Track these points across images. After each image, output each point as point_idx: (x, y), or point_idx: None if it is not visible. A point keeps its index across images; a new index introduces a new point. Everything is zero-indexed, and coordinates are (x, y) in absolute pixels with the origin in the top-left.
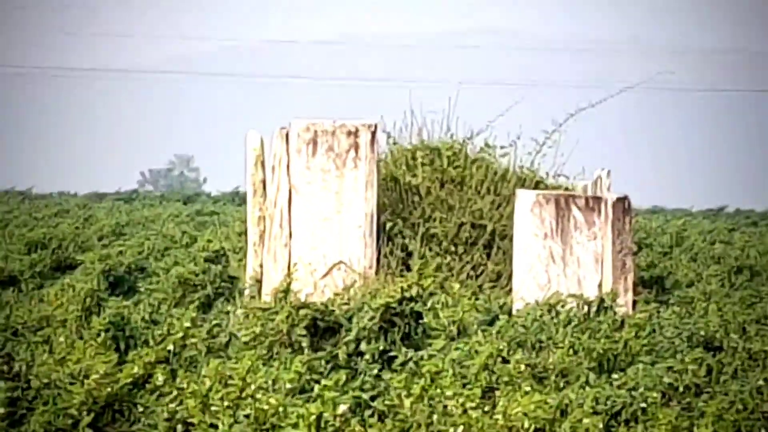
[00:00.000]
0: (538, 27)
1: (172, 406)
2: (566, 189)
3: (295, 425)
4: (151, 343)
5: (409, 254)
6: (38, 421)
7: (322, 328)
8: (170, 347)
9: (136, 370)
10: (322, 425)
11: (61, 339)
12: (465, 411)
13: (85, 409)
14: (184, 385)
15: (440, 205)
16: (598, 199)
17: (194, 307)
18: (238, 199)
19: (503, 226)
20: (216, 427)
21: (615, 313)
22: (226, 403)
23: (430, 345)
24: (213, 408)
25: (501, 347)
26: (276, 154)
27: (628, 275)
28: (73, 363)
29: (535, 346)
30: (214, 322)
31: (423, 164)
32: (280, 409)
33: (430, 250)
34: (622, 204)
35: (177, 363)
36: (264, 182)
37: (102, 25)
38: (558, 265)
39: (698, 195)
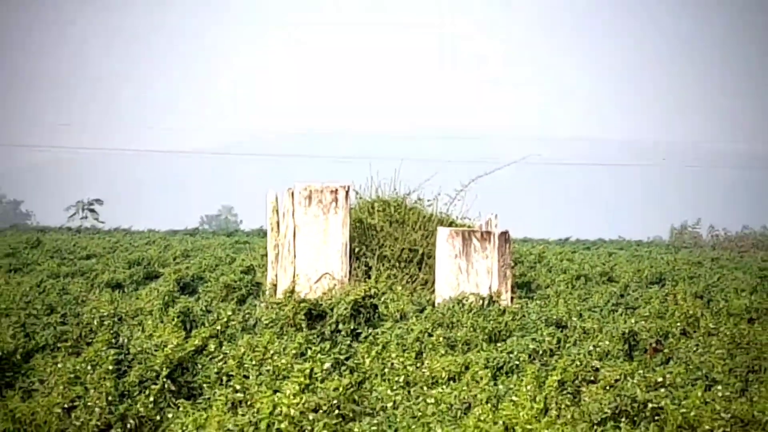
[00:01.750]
0: (452, 122)
1: (219, 364)
2: (469, 227)
3: (297, 376)
4: (207, 324)
5: (369, 268)
6: (135, 374)
7: (315, 314)
8: (218, 327)
9: (197, 342)
10: (314, 376)
11: (149, 322)
12: (405, 367)
13: (165, 367)
14: (228, 351)
15: (389, 237)
16: (489, 233)
17: (234, 302)
18: (261, 233)
19: (429, 250)
20: (247, 377)
21: (499, 305)
22: (254, 362)
23: (382, 325)
24: (245, 365)
25: (427, 326)
26: (285, 205)
27: (508, 281)
28: (157, 337)
29: (449, 326)
30: (247, 311)
31: (378, 211)
32: (288, 365)
33: (383, 265)
34: (504, 236)
35: (223, 337)
36: (278, 223)
37: (175, 121)
38: (463, 275)
39: (553, 230)
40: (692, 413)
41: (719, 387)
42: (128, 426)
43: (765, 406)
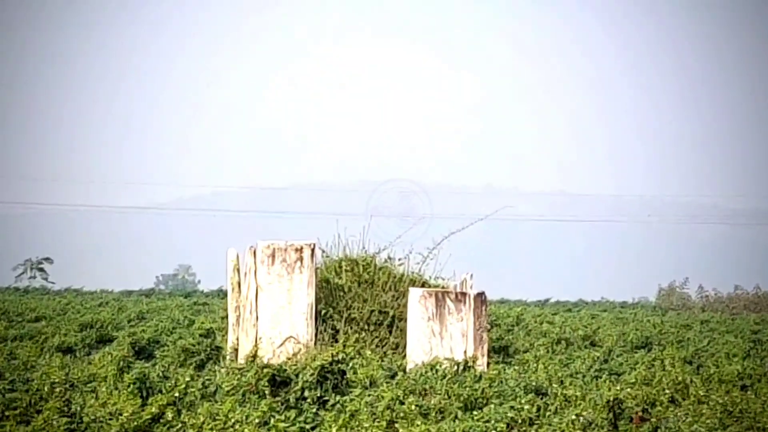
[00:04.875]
0: (424, 177)
1: None
2: (442, 287)
3: None
4: (164, 391)
5: (337, 331)
6: None
7: (279, 381)
8: (176, 394)
9: (153, 410)
10: None
11: (103, 389)
12: None
13: None
14: (186, 420)
15: (357, 299)
16: (464, 294)
17: (192, 367)
18: (221, 294)
19: (400, 312)
20: None
21: (475, 370)
22: None
23: (351, 392)
24: None
25: (398, 394)
26: (247, 264)
27: (484, 345)
28: (111, 405)
29: (421, 393)
30: (206, 377)
31: (346, 270)
32: None
33: (351, 328)
34: (480, 297)
35: (181, 405)
36: (239, 283)
37: (129, 174)
38: (437, 338)
39: (531, 290)
40: None
41: None
42: None
43: None
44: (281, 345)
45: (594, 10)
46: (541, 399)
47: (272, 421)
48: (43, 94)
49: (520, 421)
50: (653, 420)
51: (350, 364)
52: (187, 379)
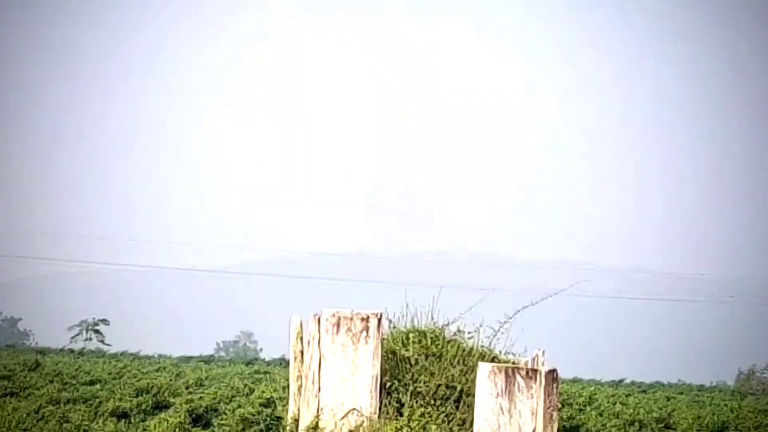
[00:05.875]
0: (496, 249)
1: None
2: (513, 363)
3: None
4: None
5: (402, 405)
6: None
7: None
8: None
9: None
10: None
11: None
12: None
13: None
14: None
15: (424, 372)
16: (535, 371)
17: None
18: (283, 363)
19: (468, 387)
20: None
21: None
22: None
23: None
24: None
25: None
26: (311, 332)
27: (554, 425)
28: None
29: None
30: None
31: (413, 342)
32: None
33: (417, 402)
34: (552, 374)
35: None
36: (302, 352)
37: (194, 235)
38: (505, 416)
39: (605, 370)
40: None
41: None
42: None
43: None
44: (343, 417)
45: None
46: None
47: None
48: (110, 150)
49: None
50: None
51: None
52: None
